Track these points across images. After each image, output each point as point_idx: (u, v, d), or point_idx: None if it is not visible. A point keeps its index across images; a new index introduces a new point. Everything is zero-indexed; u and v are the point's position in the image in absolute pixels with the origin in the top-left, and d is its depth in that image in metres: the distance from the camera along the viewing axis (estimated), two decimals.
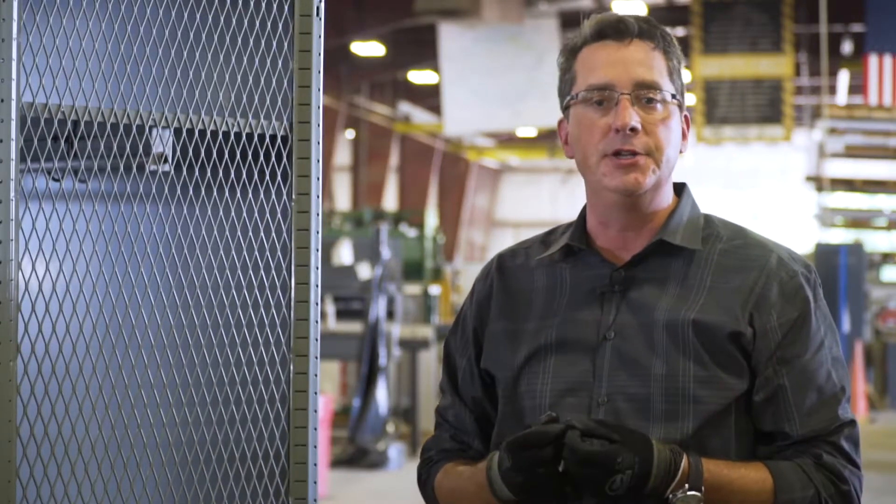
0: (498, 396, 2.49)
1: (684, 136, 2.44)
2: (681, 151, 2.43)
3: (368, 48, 21.13)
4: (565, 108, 2.44)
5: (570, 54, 2.43)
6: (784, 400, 2.35)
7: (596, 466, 2.21)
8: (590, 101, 2.38)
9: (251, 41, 2.51)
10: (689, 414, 2.33)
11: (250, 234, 2.51)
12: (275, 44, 2.53)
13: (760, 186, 33.65)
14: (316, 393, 2.54)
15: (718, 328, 2.34)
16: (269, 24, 2.52)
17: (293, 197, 2.52)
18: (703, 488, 2.26)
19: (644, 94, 2.36)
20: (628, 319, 2.38)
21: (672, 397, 2.33)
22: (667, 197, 2.44)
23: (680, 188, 2.49)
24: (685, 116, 2.44)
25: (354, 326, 12.58)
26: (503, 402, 2.47)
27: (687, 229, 2.42)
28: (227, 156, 2.47)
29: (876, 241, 18.62)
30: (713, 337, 2.34)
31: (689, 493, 2.25)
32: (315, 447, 2.53)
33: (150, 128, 2.37)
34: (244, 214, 2.51)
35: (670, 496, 2.25)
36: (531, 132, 25.99)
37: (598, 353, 2.38)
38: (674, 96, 2.39)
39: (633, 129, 2.34)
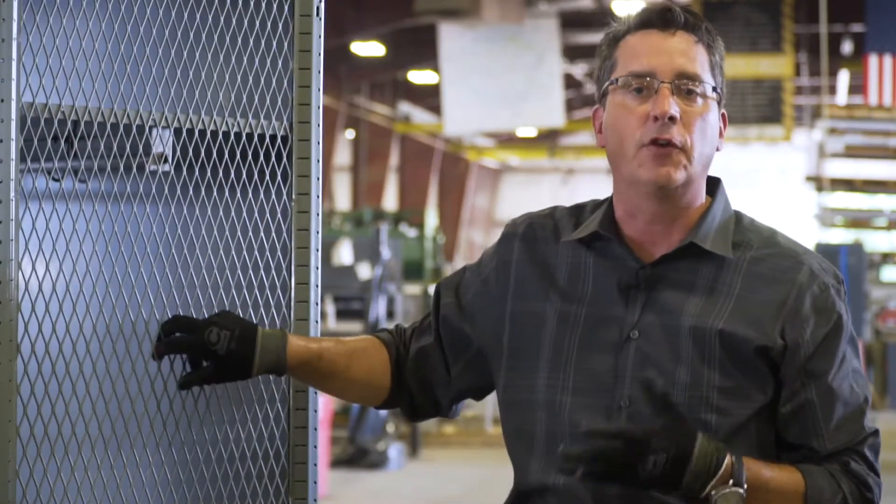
0: (494, 375, 2.47)
1: (721, 133, 2.39)
2: (717, 148, 2.38)
3: (368, 48, 21.12)
4: (602, 95, 2.39)
5: (612, 41, 2.39)
6: (812, 415, 2.33)
7: (627, 444, 2.18)
8: (629, 88, 2.33)
9: (251, 41, 2.51)
10: (712, 424, 2.30)
11: (250, 234, 2.51)
12: (275, 44, 2.53)
13: (760, 186, 33.63)
14: (316, 393, 2.54)
15: (747, 341, 2.30)
16: (269, 24, 2.52)
17: (293, 197, 2.52)
18: (745, 486, 2.22)
19: (685, 84, 2.32)
20: (653, 320, 2.34)
21: (695, 407, 2.30)
22: (699, 194, 2.39)
23: (714, 185, 2.43)
24: (722, 114, 2.40)
25: (354, 326, 12.58)
26: (513, 390, 2.43)
27: (718, 233, 2.38)
28: (227, 156, 2.47)
29: (876, 241, 18.61)
30: (740, 349, 2.31)
31: (732, 488, 2.21)
32: (315, 447, 2.53)
33: (150, 128, 2.37)
34: (244, 214, 2.51)
35: (713, 493, 2.21)
36: (531, 132, 26.00)
37: (621, 352, 2.34)
38: (714, 90, 2.35)
39: (672, 118, 2.29)
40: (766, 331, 2.32)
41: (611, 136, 2.37)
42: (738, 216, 2.44)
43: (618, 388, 2.33)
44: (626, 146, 2.34)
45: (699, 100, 2.33)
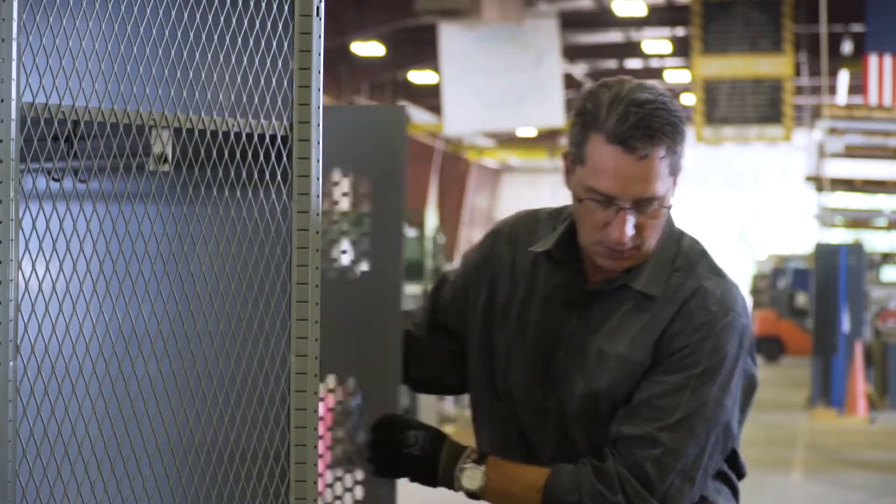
0: (466, 351, 2.74)
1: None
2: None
3: (368, 48, 21.12)
4: (573, 160, 2.53)
5: (586, 125, 2.47)
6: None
7: (388, 429, 2.61)
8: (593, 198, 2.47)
9: (251, 41, 2.51)
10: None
11: (250, 234, 2.51)
12: (275, 44, 2.53)
13: (761, 186, 33.63)
14: (316, 393, 2.54)
15: (640, 364, 2.47)
16: (269, 24, 2.52)
17: (293, 197, 2.52)
18: (485, 467, 2.51)
19: (643, 204, 2.43)
20: (580, 334, 2.52)
21: (592, 414, 2.48)
22: None
23: None
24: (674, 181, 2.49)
25: None
26: (480, 374, 2.70)
27: (654, 268, 2.51)
28: (227, 156, 2.47)
29: (876, 241, 18.63)
30: (634, 373, 2.47)
31: (474, 466, 2.52)
32: (315, 447, 2.53)
33: (150, 128, 2.37)
34: (244, 214, 2.51)
35: (456, 471, 2.54)
36: (531, 132, 26.01)
37: (552, 359, 2.53)
38: (667, 197, 2.46)
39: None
40: (649, 353, 2.49)
41: (574, 209, 2.54)
42: (679, 243, 2.57)
43: (546, 391, 2.54)
44: (585, 235, 2.51)
45: (655, 208, 2.45)
